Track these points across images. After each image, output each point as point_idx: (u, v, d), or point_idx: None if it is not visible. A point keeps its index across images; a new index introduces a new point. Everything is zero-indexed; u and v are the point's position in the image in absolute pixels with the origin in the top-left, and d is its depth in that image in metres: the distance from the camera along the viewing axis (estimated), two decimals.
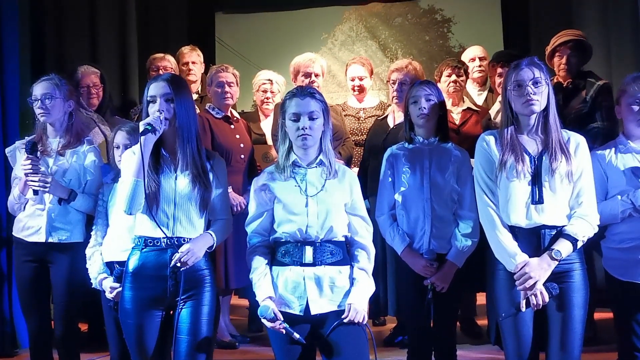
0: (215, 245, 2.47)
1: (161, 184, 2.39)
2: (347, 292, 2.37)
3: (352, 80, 4.15)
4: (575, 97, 3.56)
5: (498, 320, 2.49)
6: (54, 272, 3.06)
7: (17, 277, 3.19)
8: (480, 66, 4.35)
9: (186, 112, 2.40)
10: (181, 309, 2.38)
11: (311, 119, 2.36)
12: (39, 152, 3.00)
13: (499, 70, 3.95)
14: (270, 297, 2.32)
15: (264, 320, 2.30)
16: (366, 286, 2.40)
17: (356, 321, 2.30)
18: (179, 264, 2.34)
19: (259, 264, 2.39)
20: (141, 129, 2.31)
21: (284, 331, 2.29)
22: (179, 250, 2.35)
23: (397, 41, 6.45)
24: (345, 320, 2.30)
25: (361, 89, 4.16)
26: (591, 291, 2.47)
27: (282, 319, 2.29)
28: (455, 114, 3.71)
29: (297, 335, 2.29)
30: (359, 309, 2.32)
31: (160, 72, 4.22)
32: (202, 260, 2.42)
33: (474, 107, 3.84)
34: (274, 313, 2.28)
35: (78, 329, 3.24)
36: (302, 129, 2.35)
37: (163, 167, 2.42)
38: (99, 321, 3.24)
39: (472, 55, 4.39)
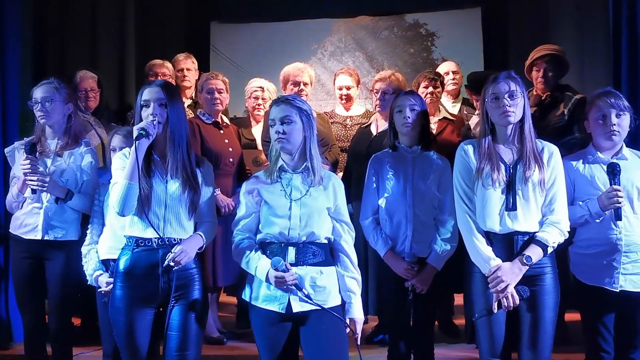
0: (204, 245, 2.49)
1: (153, 186, 2.38)
2: (329, 291, 2.38)
3: (340, 89, 4.16)
4: (554, 110, 3.56)
5: (472, 319, 2.50)
6: (50, 268, 3.04)
7: (13, 273, 3.17)
8: (453, 79, 4.38)
9: (178, 118, 2.41)
10: (172, 306, 2.37)
11: (283, 123, 2.37)
12: (37, 153, 2.99)
13: (474, 96, 3.96)
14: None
15: (274, 272, 2.28)
16: (360, 295, 2.45)
17: (359, 332, 2.40)
18: (172, 264, 2.34)
19: (250, 251, 2.38)
20: (135, 133, 2.31)
21: (292, 286, 2.28)
22: (172, 251, 2.35)
23: (383, 53, 6.47)
24: (355, 336, 2.39)
25: (348, 98, 4.17)
26: (563, 294, 2.49)
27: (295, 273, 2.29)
28: (432, 124, 3.71)
29: (305, 291, 2.29)
30: (361, 322, 2.43)
31: (159, 78, 4.21)
32: (191, 260, 2.42)
33: (449, 117, 3.86)
34: (285, 266, 2.28)
35: (71, 323, 3.21)
36: (277, 132, 2.38)
37: (154, 170, 2.41)
38: (92, 316, 3.22)
39: (446, 69, 4.41)
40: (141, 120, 2.38)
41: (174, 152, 2.40)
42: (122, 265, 2.40)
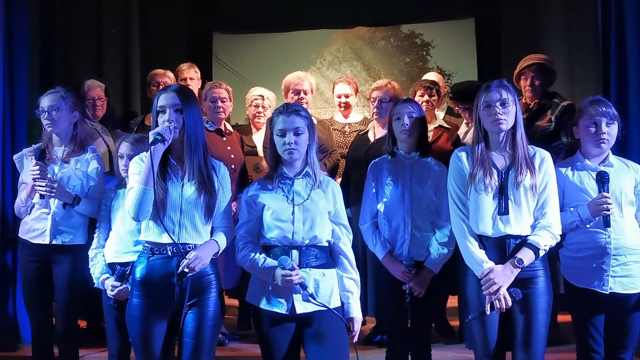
0: (220, 251, 2.42)
1: (168, 191, 2.31)
2: (330, 292, 2.38)
3: (339, 97, 4.19)
4: (542, 116, 3.57)
5: (465, 320, 2.50)
6: (57, 272, 3.05)
7: (21, 276, 3.17)
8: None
9: (194, 122, 2.33)
10: (187, 313, 2.32)
11: (296, 134, 2.37)
12: (46, 159, 2.99)
13: (457, 107, 3.91)
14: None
15: (281, 271, 2.27)
16: (358, 295, 2.45)
17: (357, 331, 2.41)
18: (186, 270, 2.28)
19: (254, 253, 2.37)
20: (151, 138, 2.23)
21: (297, 285, 2.27)
22: (187, 257, 2.28)
23: (380, 62, 6.51)
24: (353, 334, 2.39)
25: (347, 106, 4.19)
26: (555, 296, 2.49)
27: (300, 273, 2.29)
28: (428, 132, 3.72)
29: (309, 291, 2.29)
30: (360, 321, 2.44)
31: (161, 87, 4.21)
32: (207, 266, 2.36)
33: (445, 125, 3.87)
34: (292, 265, 2.27)
35: (78, 325, 3.21)
36: (288, 143, 2.36)
37: (170, 174, 2.34)
38: (98, 318, 3.21)
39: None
40: (157, 126, 2.32)
41: (190, 156, 2.32)
42: (138, 273, 2.34)
